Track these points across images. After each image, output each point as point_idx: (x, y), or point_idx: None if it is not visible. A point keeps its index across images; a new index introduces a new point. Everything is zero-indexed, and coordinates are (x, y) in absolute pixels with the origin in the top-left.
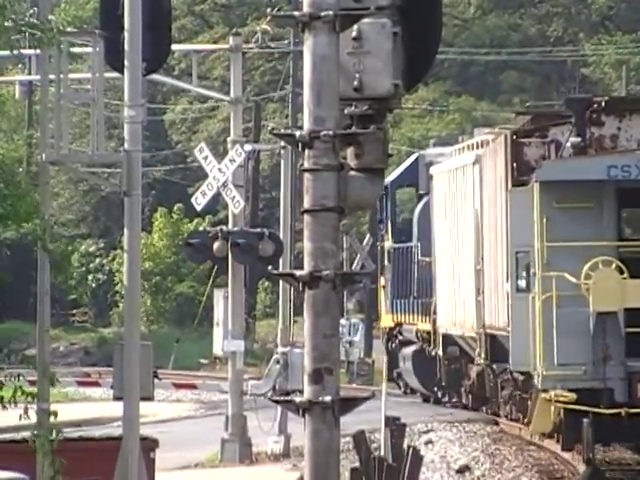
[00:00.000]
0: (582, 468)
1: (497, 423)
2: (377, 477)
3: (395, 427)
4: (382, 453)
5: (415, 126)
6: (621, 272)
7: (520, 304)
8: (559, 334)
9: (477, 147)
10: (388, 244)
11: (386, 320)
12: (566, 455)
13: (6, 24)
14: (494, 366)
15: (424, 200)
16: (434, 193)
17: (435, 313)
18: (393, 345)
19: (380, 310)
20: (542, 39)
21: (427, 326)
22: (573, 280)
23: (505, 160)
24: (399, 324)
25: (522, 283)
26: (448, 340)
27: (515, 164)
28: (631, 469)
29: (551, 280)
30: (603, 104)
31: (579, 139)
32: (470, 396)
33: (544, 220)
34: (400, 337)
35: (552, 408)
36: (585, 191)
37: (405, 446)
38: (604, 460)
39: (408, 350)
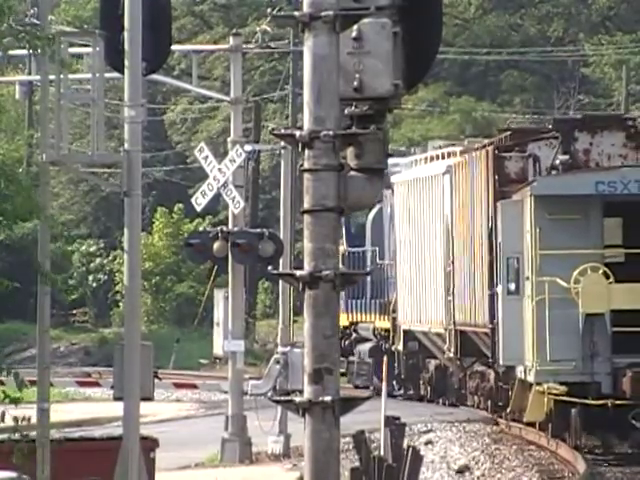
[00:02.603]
0: (582, 468)
1: (497, 423)
2: (377, 477)
3: (395, 427)
4: (382, 453)
5: (415, 126)
6: (607, 277)
7: (511, 305)
8: (551, 333)
9: (445, 157)
10: (342, 248)
11: (341, 319)
12: (566, 455)
13: (3, 28)
14: (463, 359)
15: (377, 207)
16: (396, 200)
17: (395, 312)
18: (347, 342)
19: None
20: (542, 39)
21: (385, 324)
22: (564, 284)
23: (487, 172)
24: (354, 323)
25: (512, 286)
26: (408, 336)
27: (497, 176)
28: (632, 470)
29: (544, 284)
30: (577, 121)
31: (567, 157)
32: (429, 388)
33: (537, 230)
34: (355, 335)
35: (545, 399)
36: (575, 204)
37: (405, 446)
38: (604, 459)
39: (364, 347)
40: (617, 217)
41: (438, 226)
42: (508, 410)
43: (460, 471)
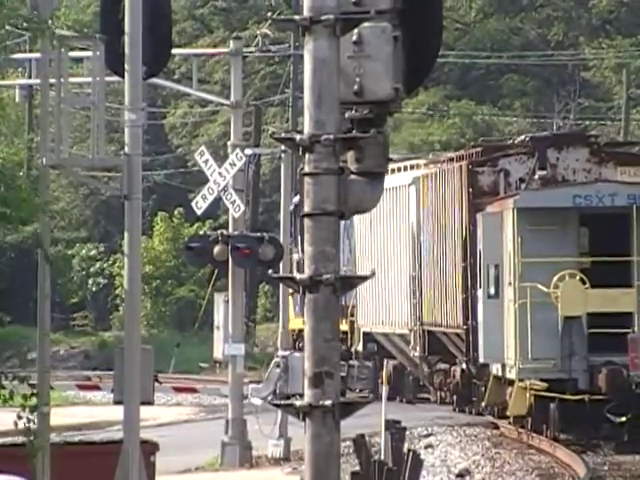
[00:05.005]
0: (582, 472)
1: (497, 427)
2: None
3: (395, 431)
4: (382, 457)
5: (415, 130)
6: (584, 283)
7: (490, 308)
8: (533, 334)
9: (409, 169)
10: (297, 256)
11: (296, 323)
12: (566, 459)
13: (7, 28)
14: (429, 358)
15: None
16: None
17: (353, 315)
18: (301, 345)
19: (288, 314)
20: (543, 43)
21: (343, 326)
22: (544, 289)
23: (461, 185)
24: None
25: (492, 290)
26: (367, 338)
27: (470, 189)
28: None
29: (526, 289)
30: (550, 139)
31: (545, 172)
32: (387, 387)
33: (519, 240)
34: None
35: (527, 395)
36: (554, 216)
37: (405, 450)
38: (604, 463)
39: None
40: (593, 228)
41: (403, 234)
42: (483, 404)
43: (460, 475)
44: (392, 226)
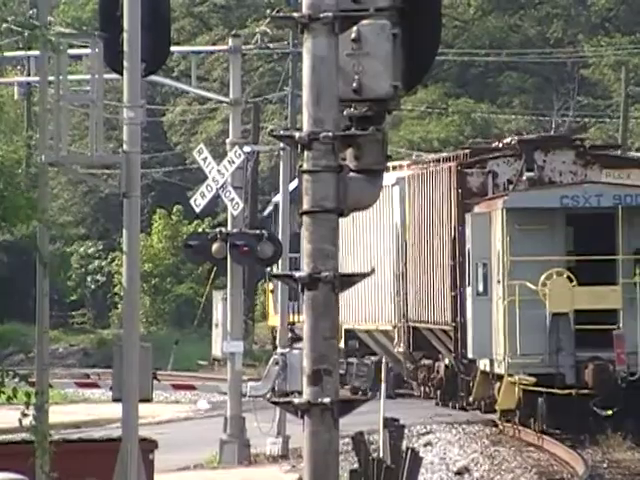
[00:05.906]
0: (581, 470)
1: (496, 425)
2: (376, 479)
3: (394, 428)
4: (381, 455)
5: (414, 128)
6: (571, 281)
7: (479, 305)
8: (521, 330)
9: (391, 170)
10: None
11: (276, 320)
12: (565, 456)
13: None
14: (414, 354)
15: None
16: None
17: None
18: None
19: (268, 311)
20: (542, 40)
21: None
22: (532, 287)
23: (449, 186)
24: (291, 323)
25: (481, 288)
26: (349, 335)
27: (460, 190)
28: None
29: (514, 287)
30: (537, 142)
31: (532, 173)
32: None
33: (508, 239)
34: (291, 334)
35: (516, 389)
36: (542, 216)
37: (404, 447)
38: (604, 460)
39: (299, 345)
40: (580, 227)
41: (387, 232)
42: (471, 399)
43: (459, 472)
44: (375, 225)
